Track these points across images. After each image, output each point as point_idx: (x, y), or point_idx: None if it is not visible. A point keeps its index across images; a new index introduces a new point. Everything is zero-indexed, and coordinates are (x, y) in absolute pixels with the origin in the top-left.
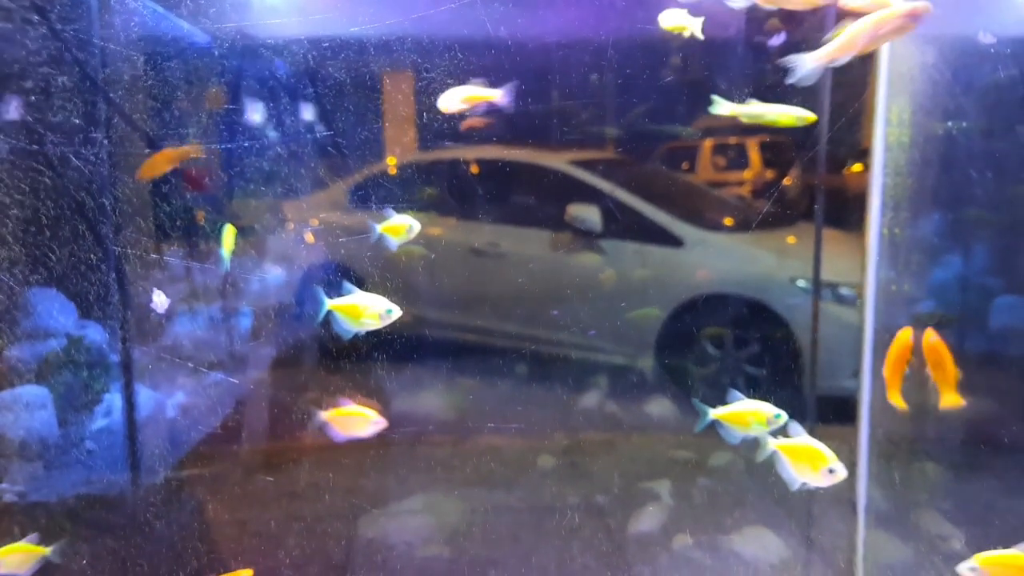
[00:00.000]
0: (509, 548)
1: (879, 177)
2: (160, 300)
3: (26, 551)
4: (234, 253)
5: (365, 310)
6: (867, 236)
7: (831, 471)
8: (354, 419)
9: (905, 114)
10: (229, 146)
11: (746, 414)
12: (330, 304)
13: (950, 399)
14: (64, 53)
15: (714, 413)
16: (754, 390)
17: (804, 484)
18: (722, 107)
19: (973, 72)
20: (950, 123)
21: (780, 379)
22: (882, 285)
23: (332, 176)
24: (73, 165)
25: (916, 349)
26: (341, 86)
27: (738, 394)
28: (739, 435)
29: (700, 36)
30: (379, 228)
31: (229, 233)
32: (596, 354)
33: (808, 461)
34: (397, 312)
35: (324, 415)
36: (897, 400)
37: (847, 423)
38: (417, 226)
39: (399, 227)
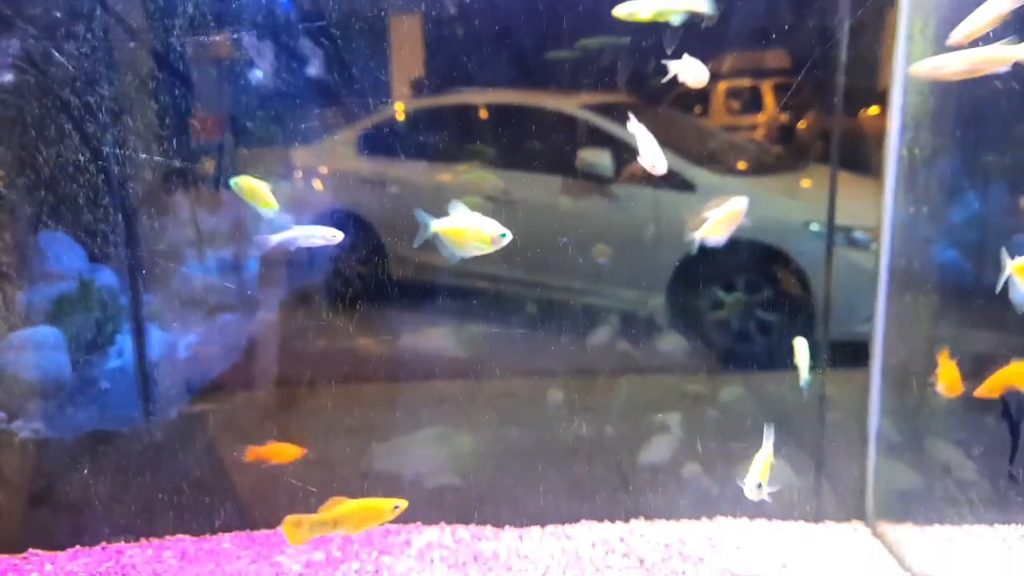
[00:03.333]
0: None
1: (899, 97)
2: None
3: None
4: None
5: (476, 234)
6: (885, 158)
7: None
8: None
9: (929, 28)
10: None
11: None
12: (435, 226)
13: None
14: None
15: None
16: (766, 335)
17: None
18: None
19: None
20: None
21: (793, 324)
22: (898, 220)
23: (340, 122)
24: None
25: None
26: (348, 29)
27: None
28: None
29: None
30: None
31: (257, 188)
32: (607, 299)
33: None
34: (509, 236)
35: None
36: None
37: (860, 367)
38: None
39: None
